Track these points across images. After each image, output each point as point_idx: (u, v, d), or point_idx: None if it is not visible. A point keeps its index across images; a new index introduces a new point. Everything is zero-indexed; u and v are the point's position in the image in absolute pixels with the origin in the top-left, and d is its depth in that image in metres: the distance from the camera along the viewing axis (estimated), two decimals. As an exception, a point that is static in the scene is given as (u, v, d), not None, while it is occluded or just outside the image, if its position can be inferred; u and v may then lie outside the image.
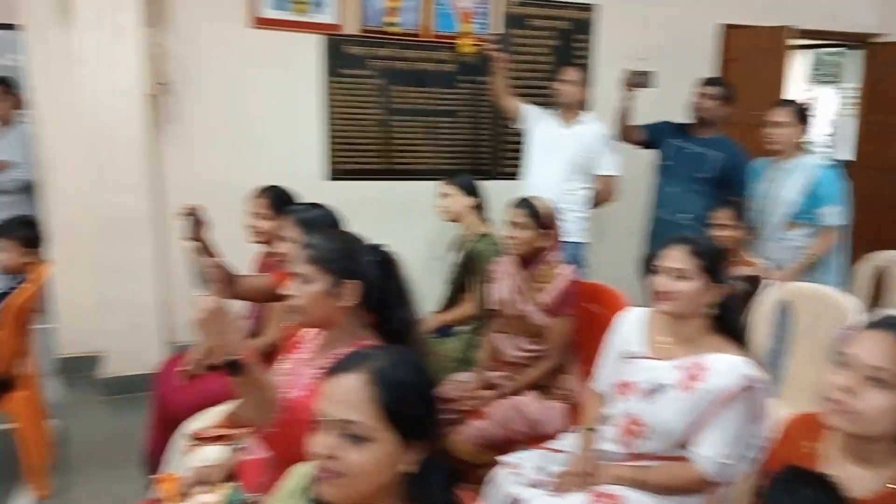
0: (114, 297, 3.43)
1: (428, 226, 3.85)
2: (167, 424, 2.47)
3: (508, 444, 2.25)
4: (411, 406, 1.06)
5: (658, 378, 1.81)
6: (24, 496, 2.67)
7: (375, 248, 1.70)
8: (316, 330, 1.79)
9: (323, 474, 1.03)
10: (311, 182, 3.65)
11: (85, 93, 3.25)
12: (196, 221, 2.42)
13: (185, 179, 3.58)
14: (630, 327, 1.97)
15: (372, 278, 1.62)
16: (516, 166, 3.84)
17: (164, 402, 2.55)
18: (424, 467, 1.07)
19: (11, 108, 3.87)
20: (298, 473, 1.20)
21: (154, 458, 2.56)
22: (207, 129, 3.67)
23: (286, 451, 1.45)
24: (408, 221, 3.86)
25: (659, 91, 3.51)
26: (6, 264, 2.72)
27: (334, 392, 1.05)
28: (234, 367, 1.32)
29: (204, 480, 1.74)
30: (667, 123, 3.62)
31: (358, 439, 1.02)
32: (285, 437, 1.40)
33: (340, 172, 3.97)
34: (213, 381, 2.51)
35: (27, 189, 3.77)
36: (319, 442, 1.04)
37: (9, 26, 5.29)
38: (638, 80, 3.45)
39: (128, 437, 2.96)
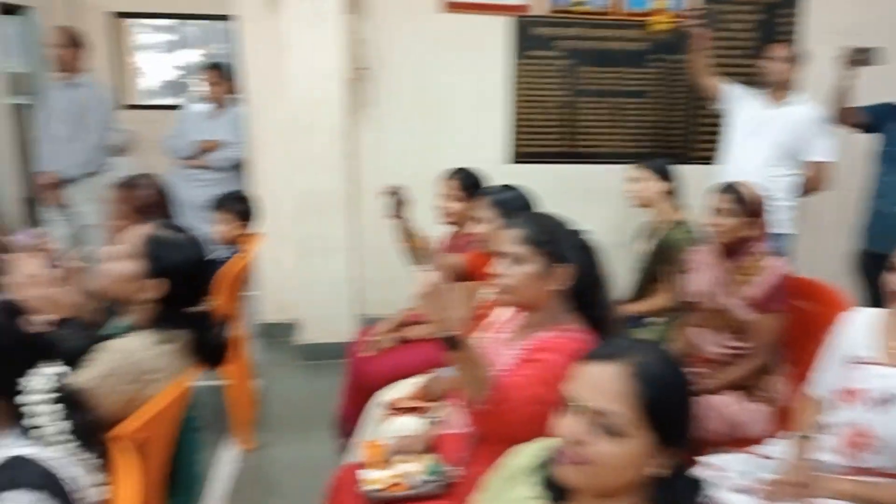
0: (310, 270, 3.65)
1: (611, 211, 3.74)
2: (360, 392, 2.59)
3: (703, 444, 2.13)
4: (673, 407, 1.01)
5: (893, 387, 1.63)
6: (231, 448, 2.92)
7: (580, 233, 1.67)
8: (511, 310, 1.79)
9: (566, 458, 1.01)
10: (493, 165, 3.66)
11: (290, 78, 3.46)
12: (398, 201, 2.50)
13: (378, 160, 3.74)
14: (859, 330, 1.78)
15: (582, 263, 1.58)
16: (712, 150, 3.62)
17: (358, 372, 2.68)
18: (674, 473, 1.01)
19: (225, 92, 4.21)
20: (525, 453, 1.19)
21: (346, 424, 2.71)
22: (400, 112, 3.79)
23: (495, 429, 1.46)
24: (590, 206, 3.75)
25: (877, 69, 3.13)
26: (223, 235, 2.98)
27: (591, 379, 1.02)
28: (452, 343, 1.34)
29: (405, 450, 1.79)
30: (891, 105, 3.24)
31: (611, 431, 0.98)
32: (496, 416, 1.40)
33: (523, 155, 3.96)
34: (405, 354, 2.61)
35: (236, 167, 4.11)
36: (567, 425, 1.01)
37: (222, 17, 5.80)
38: (860, 57, 3.10)
39: (321, 401, 3.15)
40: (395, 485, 1.66)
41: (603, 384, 1.00)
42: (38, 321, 1.42)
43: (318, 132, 3.50)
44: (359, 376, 2.67)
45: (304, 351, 3.76)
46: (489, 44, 3.82)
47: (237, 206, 3.03)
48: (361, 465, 1.78)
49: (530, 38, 3.83)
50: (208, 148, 4.12)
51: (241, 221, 3.01)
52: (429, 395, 2.21)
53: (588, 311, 1.63)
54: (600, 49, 3.90)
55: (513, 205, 2.26)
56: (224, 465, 2.81)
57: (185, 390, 1.69)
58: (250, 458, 2.88)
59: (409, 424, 2.09)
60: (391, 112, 3.79)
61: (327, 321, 3.68)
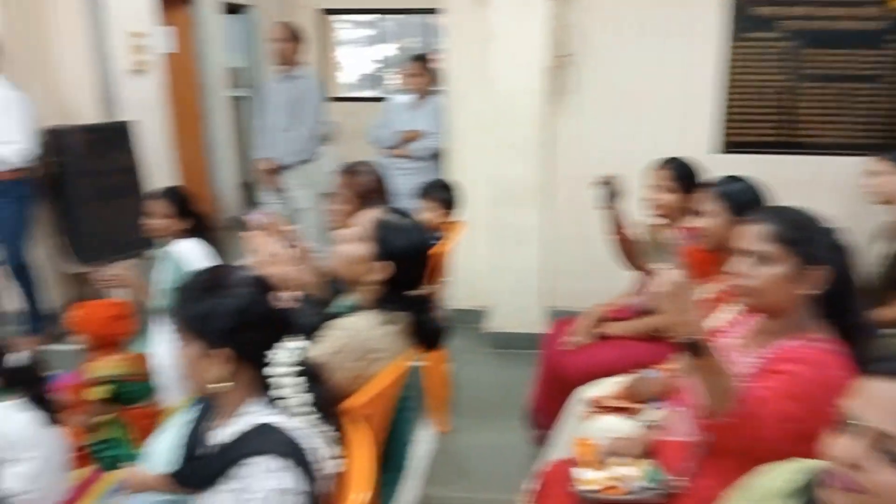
0: (502, 258, 3.66)
1: (840, 208, 3.35)
2: (555, 386, 2.54)
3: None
4: None
5: None
6: (428, 429, 2.99)
7: (834, 231, 1.50)
8: (736, 312, 1.65)
9: (838, 482, 0.90)
10: (699, 154, 3.44)
11: (493, 68, 3.45)
12: (611, 191, 2.41)
13: (576, 149, 3.65)
14: None
15: (837, 265, 1.42)
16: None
17: (553, 365, 2.63)
18: None
19: (427, 83, 4.32)
20: (778, 475, 1.08)
21: (539, 416, 2.68)
22: (600, 99, 3.67)
23: (737, 444, 1.34)
24: (813, 201, 3.36)
25: None
26: (428, 222, 3.05)
27: (878, 397, 0.89)
28: (694, 348, 1.24)
29: (620, 452, 1.72)
30: None
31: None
32: (741, 430, 1.29)
33: (734, 145, 3.68)
34: (604, 351, 2.52)
35: (435, 156, 4.20)
36: (842, 446, 0.90)
37: (420, 11, 5.98)
38: None
39: (510, 389, 3.15)
40: (611, 487, 1.60)
41: (894, 405, 0.87)
42: (284, 297, 1.51)
43: (518, 121, 3.47)
44: (555, 369, 2.61)
45: (492, 338, 3.78)
46: (700, 26, 3.58)
47: (442, 194, 3.09)
48: (573, 463, 1.73)
49: (748, 18, 3.54)
50: (410, 138, 4.24)
51: (445, 209, 3.07)
52: (635, 396, 2.12)
53: (838, 318, 1.46)
54: (829, 29, 3.52)
55: (742, 198, 2.10)
56: (421, 445, 2.89)
57: (404, 370, 1.74)
58: (445, 441, 2.94)
59: (617, 425, 2.01)
60: (592, 99, 3.67)
61: (517, 310, 3.68)
